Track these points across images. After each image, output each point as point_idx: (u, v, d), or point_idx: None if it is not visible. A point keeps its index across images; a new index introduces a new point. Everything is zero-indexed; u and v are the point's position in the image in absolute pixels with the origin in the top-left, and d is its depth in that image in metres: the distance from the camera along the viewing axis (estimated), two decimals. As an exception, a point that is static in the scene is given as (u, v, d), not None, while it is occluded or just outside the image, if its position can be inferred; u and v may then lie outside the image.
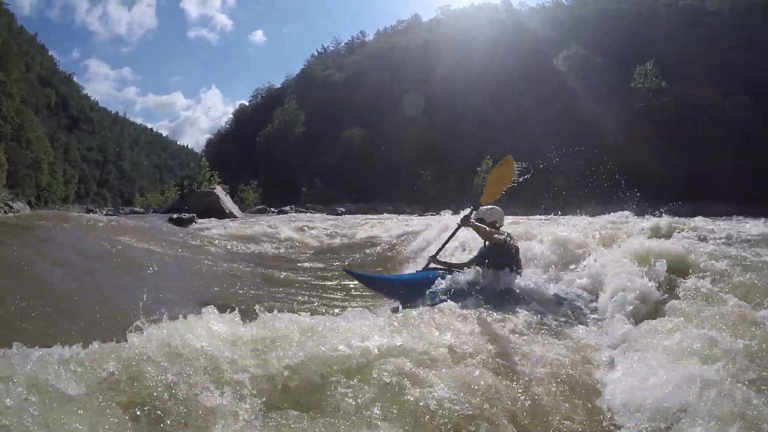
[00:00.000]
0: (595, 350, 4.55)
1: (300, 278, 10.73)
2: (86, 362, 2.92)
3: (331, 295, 8.62)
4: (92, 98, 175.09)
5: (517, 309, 5.41)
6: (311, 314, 4.30)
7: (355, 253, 16.32)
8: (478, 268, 6.32)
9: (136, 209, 67.71)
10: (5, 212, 33.03)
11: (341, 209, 57.60)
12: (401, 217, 36.09)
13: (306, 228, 25.14)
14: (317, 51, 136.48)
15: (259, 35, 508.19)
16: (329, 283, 10.14)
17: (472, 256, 7.37)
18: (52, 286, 7.92)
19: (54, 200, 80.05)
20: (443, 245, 7.47)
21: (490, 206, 7.06)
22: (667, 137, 51.38)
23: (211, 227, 24.70)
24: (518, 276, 6.25)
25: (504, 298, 5.77)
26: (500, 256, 6.30)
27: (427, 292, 6.08)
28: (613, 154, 52.34)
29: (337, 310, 6.53)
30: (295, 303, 7.72)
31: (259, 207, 60.63)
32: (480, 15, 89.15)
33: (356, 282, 7.85)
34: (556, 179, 55.87)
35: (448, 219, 16.28)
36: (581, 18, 71.67)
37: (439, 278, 6.34)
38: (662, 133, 52.08)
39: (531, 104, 64.53)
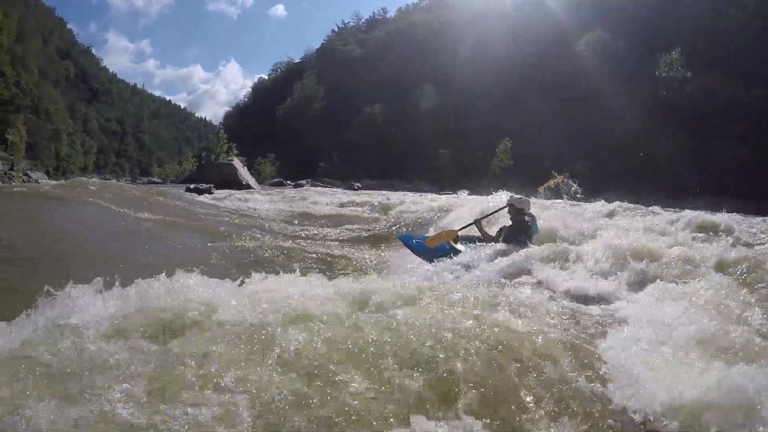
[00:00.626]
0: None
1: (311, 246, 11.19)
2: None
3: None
4: (111, 70, 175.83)
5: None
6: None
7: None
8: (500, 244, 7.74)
9: (153, 179, 68.19)
10: (23, 181, 33.42)
11: (357, 184, 57.53)
12: (419, 195, 35.67)
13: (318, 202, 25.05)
14: (337, 26, 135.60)
15: (280, 9, 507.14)
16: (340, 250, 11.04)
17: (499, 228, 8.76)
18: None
19: (73, 170, 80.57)
20: (484, 217, 9.28)
21: (520, 196, 8.46)
22: (689, 128, 50.37)
23: (228, 197, 24.78)
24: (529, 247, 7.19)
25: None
26: (519, 234, 7.79)
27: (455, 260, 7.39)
28: (634, 142, 51.71)
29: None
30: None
31: (276, 180, 60.70)
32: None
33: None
34: (574, 166, 55.31)
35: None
36: (605, 2, 70.04)
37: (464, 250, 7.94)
38: (684, 123, 51.08)
39: (550, 87, 63.61)
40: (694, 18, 58.05)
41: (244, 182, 40.57)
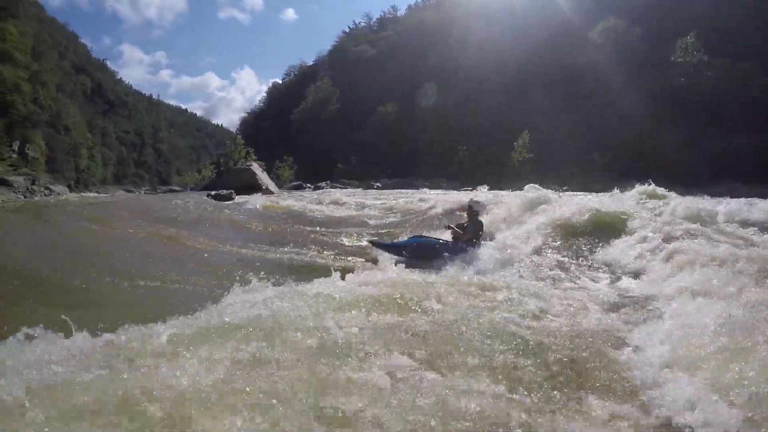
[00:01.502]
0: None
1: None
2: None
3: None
4: (126, 82, 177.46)
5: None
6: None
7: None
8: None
9: (173, 188, 68.44)
10: (45, 195, 33.72)
11: (377, 184, 57.40)
12: (443, 192, 35.40)
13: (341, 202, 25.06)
14: (348, 27, 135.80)
15: (290, 13, 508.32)
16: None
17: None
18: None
19: (93, 182, 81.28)
20: (451, 227, 10.73)
21: (477, 200, 11.02)
22: (706, 113, 49.30)
23: (250, 201, 24.71)
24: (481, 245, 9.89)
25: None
26: (475, 231, 10.08)
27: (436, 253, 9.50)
28: (649, 130, 50.82)
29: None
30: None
31: (295, 183, 60.67)
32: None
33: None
34: (590, 155, 54.75)
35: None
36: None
37: (436, 244, 9.99)
38: (700, 109, 50.00)
39: (564, 78, 62.90)
40: (705, 3, 56.95)
41: (263, 186, 40.49)
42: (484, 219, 11.14)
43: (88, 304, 6.00)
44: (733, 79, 49.45)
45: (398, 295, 4.49)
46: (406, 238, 10.95)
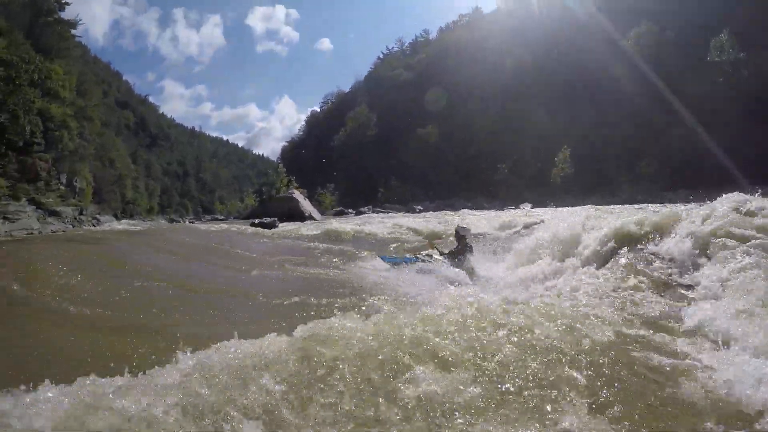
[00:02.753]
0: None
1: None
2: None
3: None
4: (169, 116, 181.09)
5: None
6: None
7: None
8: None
9: (217, 216, 69.14)
10: (93, 225, 34.38)
11: (419, 207, 57.13)
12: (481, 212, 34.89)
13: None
14: (382, 53, 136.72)
15: (326, 43, 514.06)
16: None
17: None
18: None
19: (139, 212, 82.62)
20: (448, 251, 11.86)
21: (464, 227, 12.65)
22: (751, 113, 47.67)
23: (295, 229, 24.59)
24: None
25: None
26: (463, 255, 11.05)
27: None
28: (695, 135, 49.42)
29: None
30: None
31: (338, 209, 60.77)
32: (542, 1, 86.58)
33: None
34: (638, 164, 53.78)
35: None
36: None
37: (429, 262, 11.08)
38: (745, 108, 48.40)
39: (602, 89, 62.07)
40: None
41: (306, 214, 40.58)
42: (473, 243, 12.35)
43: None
44: None
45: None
46: (406, 257, 12.40)
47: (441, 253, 11.75)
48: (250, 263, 12.08)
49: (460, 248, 11.34)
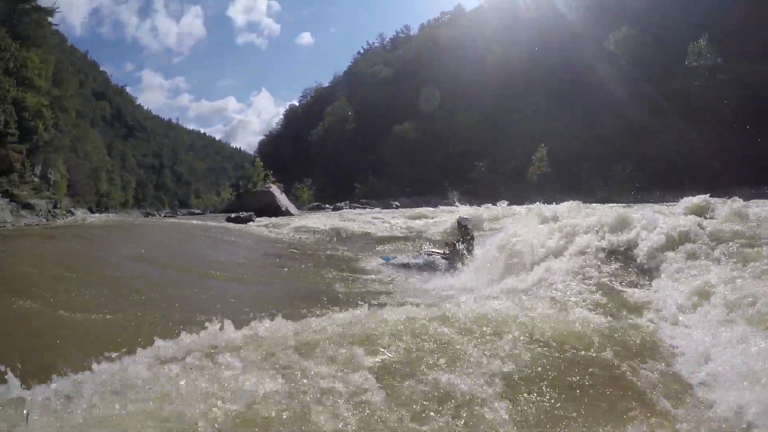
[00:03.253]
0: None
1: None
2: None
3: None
4: (146, 108, 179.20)
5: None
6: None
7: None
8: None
9: (193, 210, 68.83)
10: (66, 218, 34.07)
11: (396, 203, 57.25)
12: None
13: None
14: (363, 48, 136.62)
15: (306, 37, 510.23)
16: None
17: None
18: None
19: (113, 205, 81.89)
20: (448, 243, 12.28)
21: (466, 217, 12.83)
22: (726, 118, 48.54)
23: (270, 224, 24.61)
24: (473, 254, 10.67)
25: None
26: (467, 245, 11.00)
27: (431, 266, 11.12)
28: (671, 139, 50.33)
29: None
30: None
31: (315, 204, 60.79)
32: (523, 1, 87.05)
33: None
34: (614, 166, 54.43)
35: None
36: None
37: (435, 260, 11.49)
38: (720, 113, 49.33)
39: (580, 90, 62.67)
40: (716, 5, 56.46)
41: (283, 208, 40.55)
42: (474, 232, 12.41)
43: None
44: (749, 81, 48.83)
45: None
46: (414, 255, 12.74)
47: (446, 243, 12.36)
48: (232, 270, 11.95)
49: (462, 237, 11.54)
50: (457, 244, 11.33)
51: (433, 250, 12.88)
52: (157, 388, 3.05)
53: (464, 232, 11.64)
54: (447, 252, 11.77)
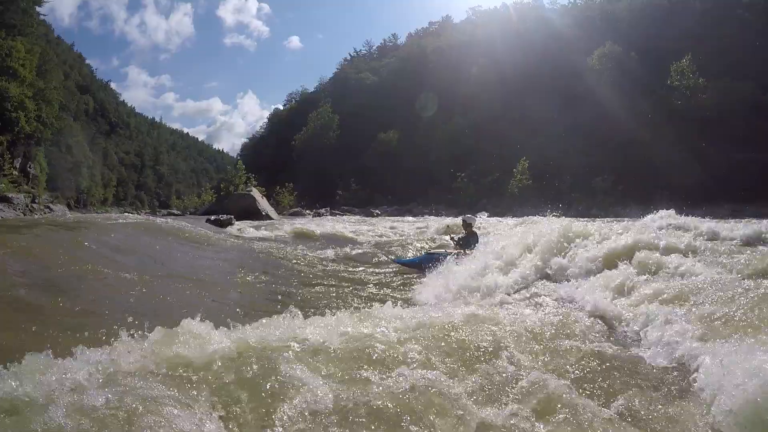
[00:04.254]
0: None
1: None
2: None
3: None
4: (129, 104, 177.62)
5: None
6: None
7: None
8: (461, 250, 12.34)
9: (173, 211, 68.16)
10: (44, 213, 33.67)
11: (377, 211, 57.31)
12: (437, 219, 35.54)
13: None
14: (350, 55, 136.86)
15: (295, 41, 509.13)
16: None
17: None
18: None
19: (93, 203, 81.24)
20: (453, 237, 13.76)
21: (471, 216, 14.15)
22: (707, 135, 49.48)
23: (249, 228, 24.58)
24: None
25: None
26: (470, 242, 12.36)
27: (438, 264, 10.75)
28: (651, 154, 51.04)
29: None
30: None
31: (295, 209, 60.64)
32: (511, 15, 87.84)
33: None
34: (592, 180, 54.98)
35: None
36: (613, 14, 70.01)
37: (441, 257, 11.38)
38: (701, 131, 50.23)
39: (564, 104, 63.25)
40: (700, 24, 57.62)
41: (263, 213, 40.44)
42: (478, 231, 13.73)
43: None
44: (730, 100, 49.82)
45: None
46: (421, 255, 14.03)
47: (452, 239, 13.61)
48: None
49: (467, 235, 12.96)
50: (456, 239, 13.17)
51: (433, 250, 14.25)
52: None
53: (468, 229, 13.11)
54: (456, 240, 13.13)
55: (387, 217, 45.68)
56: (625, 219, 20.45)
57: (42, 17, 57.40)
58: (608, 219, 22.52)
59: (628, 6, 68.64)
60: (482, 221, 23.36)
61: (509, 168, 62.77)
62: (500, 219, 28.71)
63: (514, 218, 24.60)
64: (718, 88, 51.84)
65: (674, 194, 39.17)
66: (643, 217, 14.44)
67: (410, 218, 42.60)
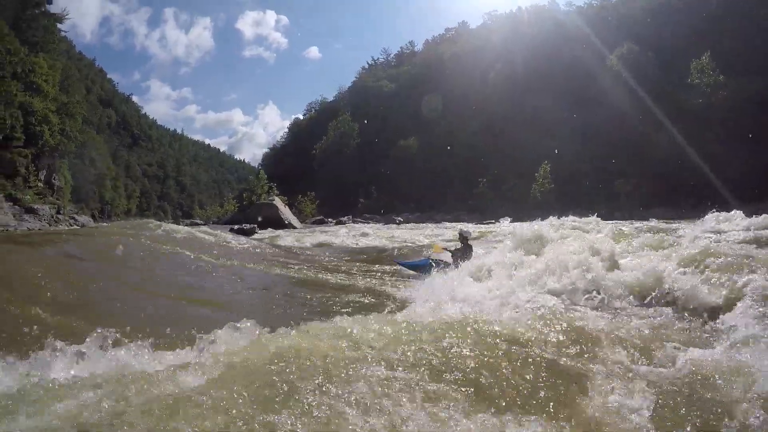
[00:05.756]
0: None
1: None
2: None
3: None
4: (151, 117, 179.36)
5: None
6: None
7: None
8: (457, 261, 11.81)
9: (196, 221, 68.49)
10: (69, 225, 33.96)
11: (399, 219, 57.11)
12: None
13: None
14: (367, 63, 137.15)
15: (314, 51, 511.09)
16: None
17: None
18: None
19: (117, 213, 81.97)
20: (450, 250, 13.44)
21: (467, 229, 14.41)
22: (730, 134, 48.57)
23: (273, 237, 24.55)
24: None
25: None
26: (466, 254, 12.05)
27: (434, 269, 11.53)
28: (673, 155, 50.15)
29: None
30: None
31: (317, 218, 60.66)
32: (525, 19, 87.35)
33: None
34: (613, 182, 54.40)
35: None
36: (628, 15, 69.18)
37: (439, 263, 12.15)
38: (725, 129, 49.34)
39: (583, 106, 62.64)
40: (716, 22, 56.65)
41: (286, 221, 40.54)
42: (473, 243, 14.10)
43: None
44: (751, 97, 48.84)
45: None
46: (421, 259, 14.40)
47: (448, 250, 13.62)
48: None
49: (463, 247, 12.91)
50: (453, 250, 13.18)
51: (433, 256, 14.07)
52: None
53: (464, 242, 13.12)
54: (452, 252, 13.09)
55: (409, 225, 45.34)
56: (652, 220, 20.16)
57: (63, 34, 58.00)
58: (634, 222, 21.88)
59: (643, 6, 67.79)
60: (502, 228, 23.18)
61: (528, 172, 62.31)
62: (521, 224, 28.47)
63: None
64: (737, 85, 50.93)
65: (698, 196, 38.52)
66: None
67: (431, 224, 42.27)
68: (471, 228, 23.68)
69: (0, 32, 38.92)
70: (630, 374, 3.63)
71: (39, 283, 7.46)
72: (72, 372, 3.42)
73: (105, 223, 45.00)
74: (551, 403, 3.18)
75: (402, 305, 7.18)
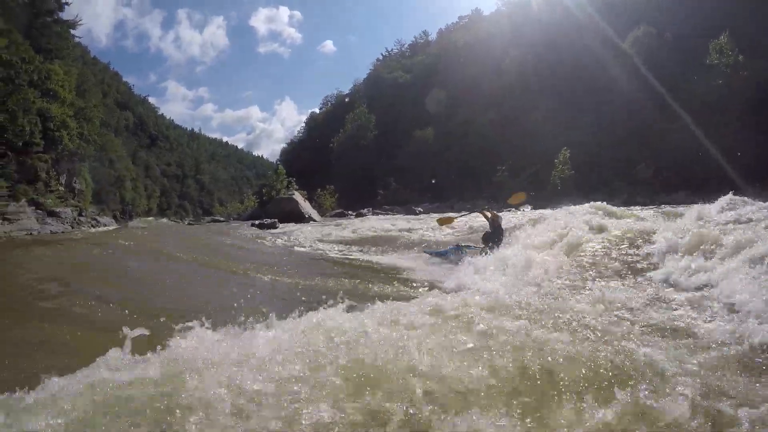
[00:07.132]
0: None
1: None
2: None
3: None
4: (168, 117, 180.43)
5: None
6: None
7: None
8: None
9: (217, 218, 68.89)
10: (92, 226, 34.34)
11: (419, 209, 57.01)
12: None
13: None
14: (382, 55, 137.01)
15: (329, 45, 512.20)
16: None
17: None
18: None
19: (138, 213, 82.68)
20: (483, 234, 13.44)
21: (497, 213, 13.72)
22: (753, 115, 47.48)
23: (294, 230, 24.54)
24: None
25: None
26: (497, 235, 12.33)
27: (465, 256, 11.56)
28: (692, 138, 49.08)
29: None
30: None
31: (337, 211, 60.71)
32: (540, 3, 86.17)
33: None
34: (634, 168, 53.68)
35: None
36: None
37: (468, 250, 12.73)
38: (745, 111, 48.20)
39: (601, 92, 61.86)
40: (736, 3, 55.30)
41: (306, 215, 40.59)
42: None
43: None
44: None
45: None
46: (450, 247, 14.46)
47: (485, 216, 13.75)
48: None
49: (495, 230, 12.83)
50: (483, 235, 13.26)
51: (463, 243, 14.43)
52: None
53: (496, 223, 12.99)
54: (483, 235, 13.21)
55: (431, 214, 45.21)
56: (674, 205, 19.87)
57: (77, 40, 58.52)
58: (657, 207, 21.44)
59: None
60: (524, 214, 23.20)
61: (548, 158, 61.64)
62: (542, 211, 28.10)
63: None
64: (758, 65, 49.69)
65: (719, 180, 37.72)
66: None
67: (452, 214, 42.11)
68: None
69: (15, 41, 39.23)
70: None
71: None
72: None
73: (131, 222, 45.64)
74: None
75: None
